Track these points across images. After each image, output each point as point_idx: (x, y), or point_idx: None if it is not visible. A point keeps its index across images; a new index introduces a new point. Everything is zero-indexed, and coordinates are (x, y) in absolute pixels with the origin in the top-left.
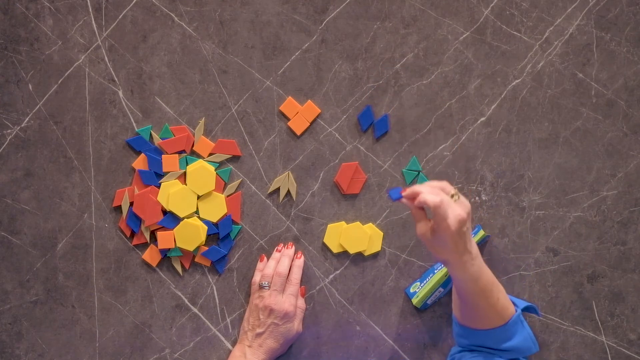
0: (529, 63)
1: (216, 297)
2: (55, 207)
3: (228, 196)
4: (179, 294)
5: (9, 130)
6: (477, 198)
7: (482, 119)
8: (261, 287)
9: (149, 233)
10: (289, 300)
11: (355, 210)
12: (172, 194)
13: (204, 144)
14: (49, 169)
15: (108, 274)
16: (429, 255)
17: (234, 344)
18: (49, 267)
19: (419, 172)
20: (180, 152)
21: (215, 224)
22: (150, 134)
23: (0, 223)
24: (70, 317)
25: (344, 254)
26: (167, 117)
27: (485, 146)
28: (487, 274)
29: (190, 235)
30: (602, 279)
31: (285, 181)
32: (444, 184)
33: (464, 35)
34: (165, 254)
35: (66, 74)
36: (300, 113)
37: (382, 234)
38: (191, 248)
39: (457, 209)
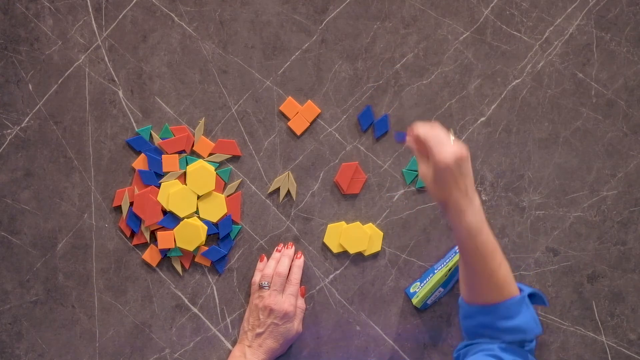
0: (529, 63)
1: (216, 297)
2: (55, 207)
3: (228, 196)
4: (179, 294)
5: (9, 130)
6: None
7: (482, 119)
8: (261, 287)
9: (149, 233)
10: (289, 300)
11: (355, 210)
12: (172, 194)
13: (204, 144)
14: (49, 169)
15: (108, 274)
16: (429, 255)
17: (234, 344)
18: (49, 267)
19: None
20: (180, 152)
21: (215, 224)
22: (150, 134)
23: (0, 223)
24: (70, 317)
25: (344, 254)
26: (167, 117)
27: (485, 146)
28: (489, 235)
29: (190, 235)
30: (602, 279)
31: (285, 181)
32: (444, 131)
33: (464, 35)
34: (165, 254)
35: (66, 74)
36: (300, 113)
37: (382, 234)
38: (191, 248)
39: (455, 144)
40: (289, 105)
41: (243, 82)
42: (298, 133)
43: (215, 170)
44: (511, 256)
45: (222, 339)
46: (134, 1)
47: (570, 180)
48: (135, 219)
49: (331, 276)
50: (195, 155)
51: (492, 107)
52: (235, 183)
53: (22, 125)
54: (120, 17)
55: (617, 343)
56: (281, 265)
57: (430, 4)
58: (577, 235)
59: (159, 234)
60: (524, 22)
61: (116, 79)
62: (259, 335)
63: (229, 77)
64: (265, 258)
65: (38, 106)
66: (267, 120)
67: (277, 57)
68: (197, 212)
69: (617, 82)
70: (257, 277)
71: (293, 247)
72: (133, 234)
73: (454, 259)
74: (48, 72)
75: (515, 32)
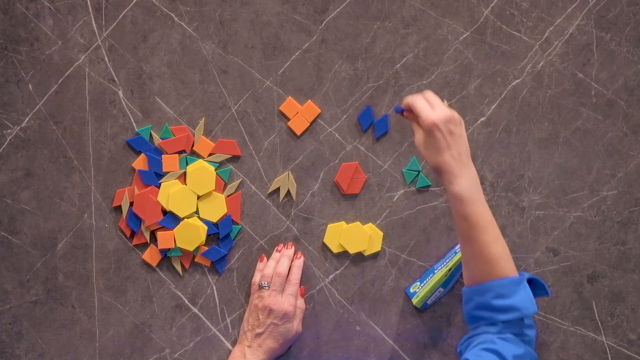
0: (529, 63)
1: (216, 297)
2: (55, 207)
3: (228, 196)
4: (179, 294)
5: (9, 130)
6: None
7: (482, 119)
8: (261, 287)
9: (149, 233)
10: (288, 301)
11: (355, 210)
12: (172, 194)
13: (204, 144)
14: (49, 169)
15: (108, 274)
16: (429, 255)
17: (234, 344)
18: (49, 267)
19: (419, 172)
20: (180, 152)
21: (215, 224)
22: (150, 134)
23: (0, 223)
24: (70, 317)
25: (344, 254)
26: (167, 117)
27: (485, 146)
28: (483, 208)
29: (190, 235)
30: (602, 279)
31: (285, 181)
32: (436, 97)
33: (464, 35)
34: (165, 254)
35: (66, 74)
36: (300, 113)
37: (382, 234)
38: (191, 248)
39: (445, 108)
40: (289, 105)
41: (243, 82)
42: (298, 133)
43: (215, 170)
44: (511, 256)
45: (222, 339)
46: (134, 1)
47: (570, 180)
48: (135, 219)
49: (331, 276)
50: (195, 155)
51: (492, 107)
52: (235, 183)
53: (22, 125)
54: (120, 17)
55: (617, 343)
56: (281, 265)
57: (430, 4)
58: (577, 235)
59: (159, 234)
60: (524, 22)
61: (116, 79)
62: (258, 335)
63: (229, 77)
64: (265, 258)
65: (38, 106)
66: (267, 120)
67: (277, 57)
68: (197, 212)
69: (617, 82)
70: (256, 277)
71: (293, 247)
72: (133, 234)
73: (454, 259)
74: (48, 72)
75: (515, 32)
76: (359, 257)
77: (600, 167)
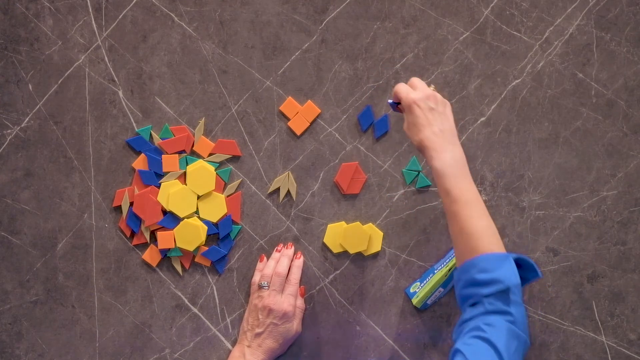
0: (529, 63)
1: (216, 297)
2: (55, 207)
3: (228, 196)
4: (179, 294)
5: (9, 130)
6: None
7: (482, 119)
8: (260, 287)
9: (149, 233)
10: (288, 300)
11: (355, 210)
12: (172, 194)
13: (204, 144)
14: (49, 169)
15: (108, 274)
16: (429, 255)
17: (234, 344)
18: (49, 267)
19: (419, 172)
20: (180, 152)
21: (215, 224)
22: (150, 134)
23: (0, 223)
24: (70, 317)
25: (344, 254)
26: (167, 117)
27: (485, 146)
28: (468, 184)
29: (190, 235)
30: (602, 279)
31: (285, 181)
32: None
33: (464, 35)
34: (165, 254)
35: (66, 74)
36: (300, 113)
37: (382, 234)
38: (191, 248)
39: (426, 88)
40: (289, 105)
41: (243, 82)
42: (298, 133)
43: (215, 170)
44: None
45: (222, 339)
46: (134, 1)
47: (570, 180)
48: (135, 219)
49: (331, 276)
50: (195, 155)
51: (492, 107)
52: (235, 183)
53: (22, 125)
54: (120, 17)
55: (617, 343)
56: (280, 265)
57: (430, 4)
58: (577, 235)
59: (159, 234)
60: (524, 22)
61: (116, 79)
62: (258, 335)
63: (229, 77)
64: (265, 258)
65: (38, 106)
66: (267, 120)
67: (277, 57)
68: (197, 212)
69: (617, 82)
70: (256, 277)
71: (292, 247)
72: (133, 234)
73: (454, 259)
74: (48, 72)
75: (515, 32)
76: (359, 257)
77: (600, 167)
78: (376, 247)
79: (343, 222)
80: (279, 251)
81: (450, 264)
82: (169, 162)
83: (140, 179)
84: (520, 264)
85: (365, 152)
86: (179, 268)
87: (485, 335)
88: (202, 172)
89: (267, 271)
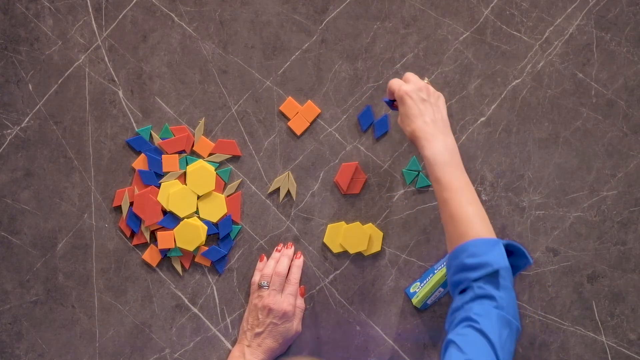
0: (529, 63)
1: (216, 297)
2: (55, 207)
3: (228, 196)
4: (179, 294)
5: (9, 130)
6: None
7: (482, 119)
8: (260, 286)
9: (149, 233)
10: (288, 300)
11: (355, 210)
12: (172, 194)
13: (204, 144)
14: (49, 169)
15: (108, 274)
16: (429, 255)
17: (234, 344)
18: (49, 267)
19: (419, 172)
20: (180, 152)
21: (215, 224)
22: (150, 134)
23: (0, 223)
24: (70, 317)
25: (344, 254)
26: (167, 117)
27: (485, 146)
28: (459, 173)
29: (190, 235)
30: (602, 279)
31: (285, 181)
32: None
33: (464, 35)
34: (165, 254)
35: (66, 74)
36: (300, 113)
37: (382, 234)
38: (191, 248)
39: (419, 80)
40: (289, 105)
41: (243, 82)
42: (298, 133)
43: (215, 170)
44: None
45: (222, 339)
46: (134, 1)
47: (570, 180)
48: (135, 219)
49: (331, 276)
50: (195, 155)
51: (492, 107)
52: (235, 183)
53: (22, 125)
54: (120, 17)
55: (617, 343)
56: (280, 265)
57: (430, 4)
58: (577, 235)
59: (159, 234)
60: (524, 22)
61: (116, 79)
62: (258, 334)
63: (229, 77)
64: (265, 258)
65: (38, 106)
66: (267, 120)
67: (277, 57)
68: (197, 212)
69: (617, 82)
70: (256, 277)
71: (292, 247)
72: (133, 234)
73: None
74: (48, 72)
75: (515, 32)
76: (359, 257)
77: (600, 167)
78: (376, 247)
79: (343, 222)
80: (279, 251)
81: None
82: (169, 162)
83: (140, 179)
84: (511, 250)
85: (365, 152)
86: (179, 268)
87: (477, 326)
88: (202, 172)
89: (267, 271)
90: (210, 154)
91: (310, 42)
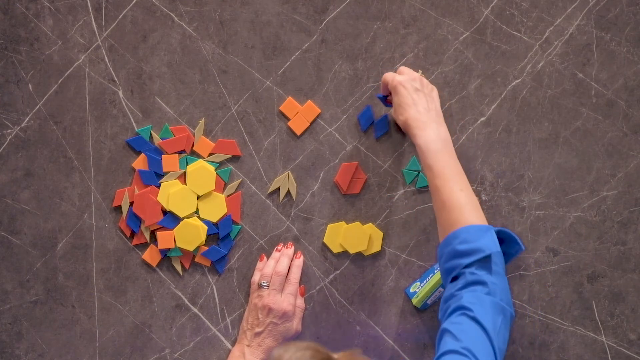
0: (529, 63)
1: (216, 297)
2: (55, 207)
3: (228, 196)
4: (179, 294)
5: (9, 130)
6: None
7: (482, 119)
8: (260, 286)
9: (149, 233)
10: (288, 300)
11: (355, 210)
12: (172, 194)
13: (204, 144)
14: (49, 169)
15: (108, 274)
16: (429, 255)
17: (234, 343)
18: (49, 267)
19: (418, 172)
20: (180, 152)
21: (215, 224)
22: (150, 134)
23: (0, 223)
24: (70, 317)
25: (344, 254)
26: (167, 117)
27: (485, 146)
28: (451, 160)
29: (190, 235)
30: (602, 279)
31: (285, 181)
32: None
33: (464, 35)
34: (165, 254)
35: (66, 74)
36: (300, 113)
37: (382, 234)
38: (191, 248)
39: (412, 72)
40: (289, 105)
41: (243, 82)
42: (298, 133)
43: (215, 170)
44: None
45: (222, 339)
46: (134, 1)
47: (570, 180)
48: (135, 219)
49: (331, 276)
50: (195, 155)
51: (492, 107)
52: (235, 183)
53: (22, 125)
54: (120, 17)
55: (617, 343)
56: (280, 264)
57: (430, 4)
58: (577, 235)
59: (159, 234)
60: (524, 22)
61: (116, 79)
62: (258, 334)
63: (229, 77)
64: (265, 257)
65: (38, 106)
66: (267, 120)
67: (277, 57)
68: (197, 212)
69: (617, 82)
70: (256, 277)
71: (292, 247)
72: (133, 234)
73: None
74: (48, 72)
75: (515, 32)
76: (359, 257)
77: (600, 167)
78: (376, 247)
79: (343, 222)
80: (279, 251)
81: None
82: (169, 162)
83: (140, 179)
84: (503, 238)
85: (365, 152)
86: (179, 268)
87: (471, 314)
88: (202, 172)
89: (267, 270)
90: (210, 154)
91: (310, 42)
